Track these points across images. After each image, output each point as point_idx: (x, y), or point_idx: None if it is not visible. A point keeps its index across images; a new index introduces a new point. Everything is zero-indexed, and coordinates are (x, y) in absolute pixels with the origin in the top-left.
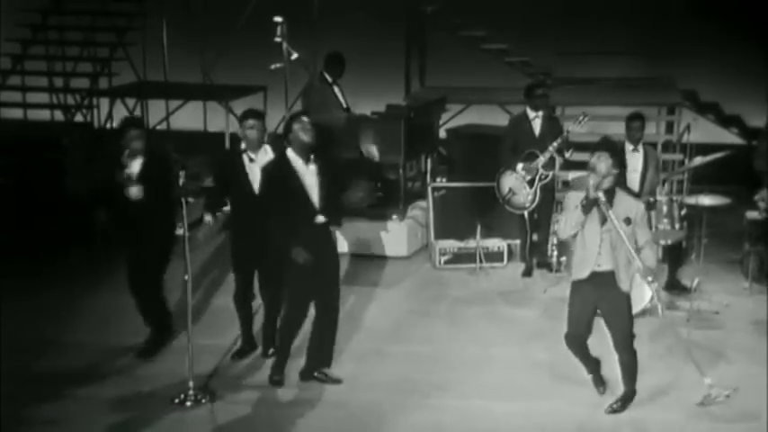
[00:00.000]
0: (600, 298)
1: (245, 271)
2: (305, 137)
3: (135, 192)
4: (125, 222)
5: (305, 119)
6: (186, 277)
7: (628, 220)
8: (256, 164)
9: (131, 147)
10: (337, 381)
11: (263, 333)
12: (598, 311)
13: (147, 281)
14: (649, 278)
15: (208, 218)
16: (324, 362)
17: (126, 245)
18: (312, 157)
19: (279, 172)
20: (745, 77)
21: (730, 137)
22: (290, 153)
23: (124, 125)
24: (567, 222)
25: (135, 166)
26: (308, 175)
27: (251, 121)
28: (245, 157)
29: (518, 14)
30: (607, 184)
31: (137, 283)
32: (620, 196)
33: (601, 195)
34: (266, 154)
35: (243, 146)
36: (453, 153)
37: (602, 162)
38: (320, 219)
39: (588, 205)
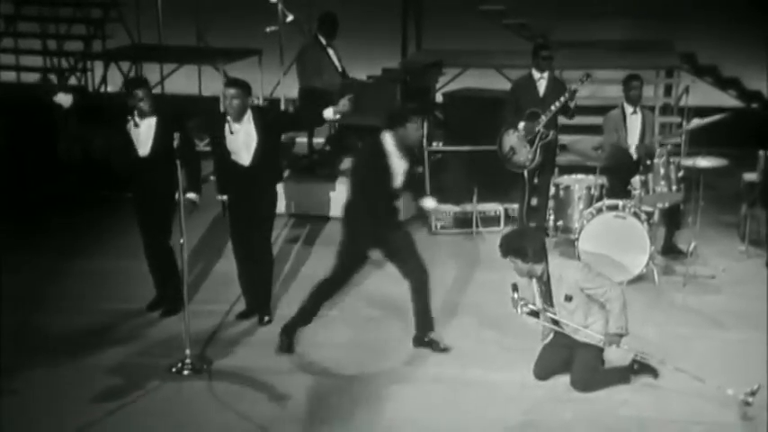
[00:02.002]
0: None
1: (241, 237)
2: (414, 139)
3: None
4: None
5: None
6: (182, 241)
7: (568, 298)
8: (236, 135)
9: (139, 107)
10: (445, 349)
11: (254, 301)
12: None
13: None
14: (614, 346)
15: (222, 198)
16: (427, 327)
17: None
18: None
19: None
20: (744, 40)
21: (729, 99)
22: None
23: (129, 85)
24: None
25: (145, 127)
26: None
27: (233, 91)
28: (226, 127)
29: None
30: (536, 273)
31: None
32: (555, 274)
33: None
34: (249, 123)
35: (227, 115)
36: (450, 117)
37: (516, 268)
38: None
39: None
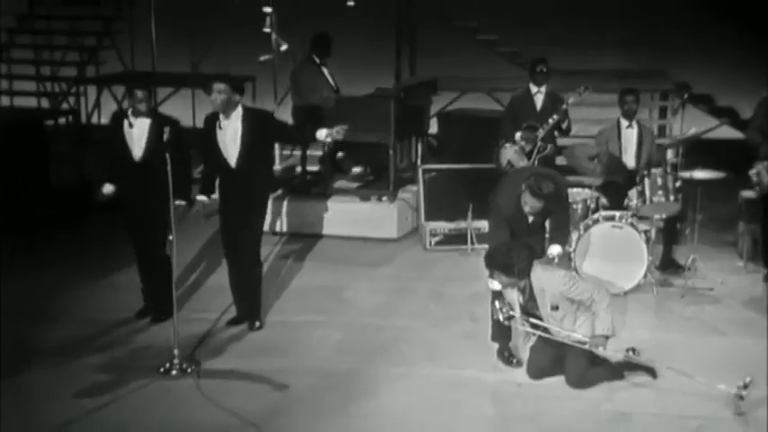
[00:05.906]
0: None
1: (230, 243)
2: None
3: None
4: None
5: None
6: (170, 237)
7: (554, 307)
8: (225, 131)
9: (135, 108)
10: None
11: (244, 307)
12: None
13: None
14: (600, 348)
15: (201, 198)
16: None
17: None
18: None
19: None
20: (739, 70)
21: (725, 130)
22: None
23: (130, 84)
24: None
25: (140, 128)
26: None
27: (220, 86)
28: (216, 125)
29: (512, 4)
30: (520, 285)
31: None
32: (538, 287)
33: (513, 314)
34: (237, 120)
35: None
36: (444, 136)
37: (499, 279)
38: None
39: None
